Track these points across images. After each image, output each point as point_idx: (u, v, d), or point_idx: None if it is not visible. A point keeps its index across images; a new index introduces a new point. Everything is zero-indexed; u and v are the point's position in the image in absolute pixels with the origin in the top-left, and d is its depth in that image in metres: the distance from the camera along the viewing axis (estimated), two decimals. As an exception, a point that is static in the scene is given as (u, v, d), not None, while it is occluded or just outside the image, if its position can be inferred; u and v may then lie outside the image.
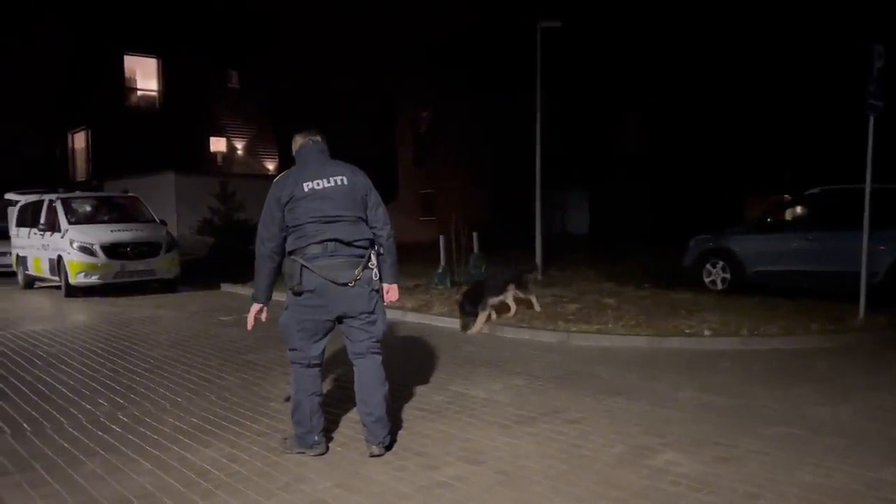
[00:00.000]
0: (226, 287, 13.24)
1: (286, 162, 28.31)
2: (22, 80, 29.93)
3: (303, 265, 3.87)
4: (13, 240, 15.15)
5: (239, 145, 27.98)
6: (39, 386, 5.96)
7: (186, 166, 21.74)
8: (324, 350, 4.09)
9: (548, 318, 8.35)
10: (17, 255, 14.78)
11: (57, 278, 12.89)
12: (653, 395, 5.29)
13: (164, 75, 25.72)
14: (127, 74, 25.56)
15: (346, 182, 3.98)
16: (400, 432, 4.48)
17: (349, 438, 4.40)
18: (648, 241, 19.13)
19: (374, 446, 4.04)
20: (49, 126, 27.80)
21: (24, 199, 14.96)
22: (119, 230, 12.90)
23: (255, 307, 4.11)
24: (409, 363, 6.56)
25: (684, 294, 10.14)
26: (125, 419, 4.92)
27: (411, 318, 9.11)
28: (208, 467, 3.96)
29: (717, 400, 5.15)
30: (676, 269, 11.86)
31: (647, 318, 8.19)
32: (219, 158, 27.28)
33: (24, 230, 14.25)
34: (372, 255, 4.02)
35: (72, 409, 5.19)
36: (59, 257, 12.59)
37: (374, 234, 4.07)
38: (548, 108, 12.94)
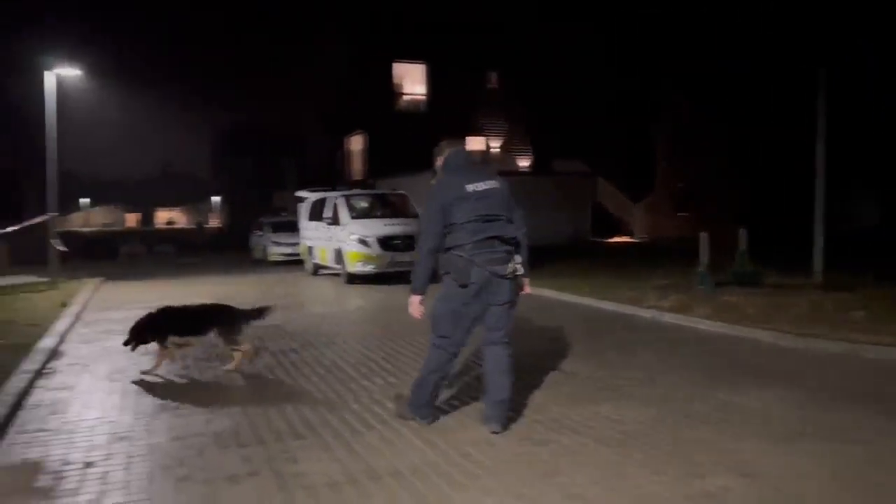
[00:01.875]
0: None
1: (540, 159, 28.77)
2: (309, 90, 34.02)
3: (469, 260, 4.21)
4: (302, 232, 17.27)
5: (494, 144, 28.96)
6: (324, 362, 6.71)
7: (448, 165, 23.07)
8: (468, 338, 4.45)
9: (830, 326, 7.46)
10: (306, 246, 16.80)
11: (339, 267, 14.41)
12: (969, 423, 4.47)
13: (430, 79, 27.51)
14: (396, 81, 27.79)
15: (499, 185, 4.40)
16: (662, 437, 4.31)
17: (606, 437, 4.32)
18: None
19: (494, 424, 4.40)
20: (332, 131, 31.26)
21: (312, 196, 16.96)
22: (391, 224, 14.08)
23: (416, 298, 4.45)
24: (670, 367, 6.27)
25: None
26: (390, 399, 5.33)
27: (669, 318, 8.70)
28: (469, 450, 4.14)
29: None
30: None
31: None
32: (476, 157, 28.49)
33: (312, 223, 16.14)
34: (516, 252, 4.39)
35: (351, 385, 5.76)
36: (340, 248, 14.06)
37: (516, 232, 4.43)
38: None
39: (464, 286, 4.26)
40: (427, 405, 4.59)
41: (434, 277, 4.33)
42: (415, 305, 4.45)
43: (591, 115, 28.68)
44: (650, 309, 9.13)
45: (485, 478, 3.72)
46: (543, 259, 15.81)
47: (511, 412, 4.60)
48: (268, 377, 6.13)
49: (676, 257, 15.02)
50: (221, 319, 6.37)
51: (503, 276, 4.28)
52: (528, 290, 4.59)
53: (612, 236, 27.86)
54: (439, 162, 4.64)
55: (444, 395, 5.13)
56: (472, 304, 4.30)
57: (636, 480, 3.65)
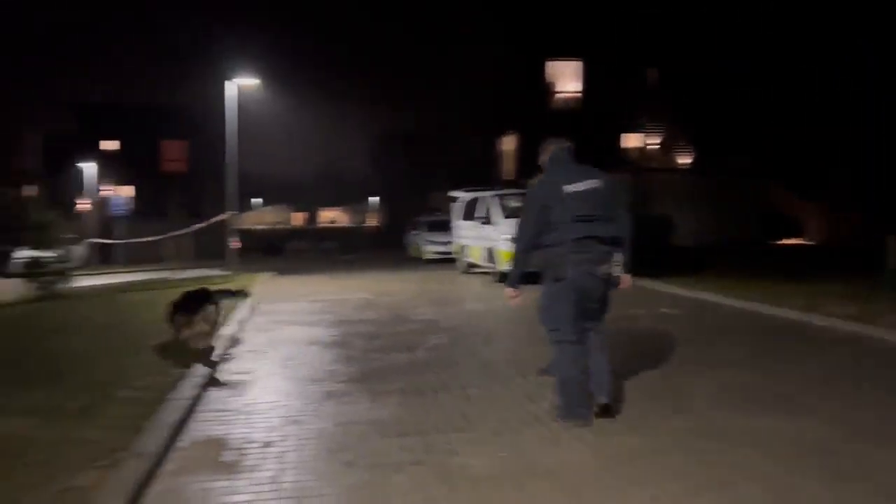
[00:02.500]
0: (637, 281, 13.31)
1: (703, 158, 27.42)
2: (463, 92, 34.59)
3: (564, 257, 4.38)
4: (455, 231, 17.59)
5: (652, 141, 27.97)
6: (478, 357, 6.79)
7: (603, 164, 22.55)
8: (580, 323, 4.52)
9: None
10: (459, 245, 17.10)
11: (490, 265, 14.53)
12: None
13: (585, 77, 27.05)
14: (550, 79, 27.57)
15: (600, 185, 4.46)
16: (844, 456, 3.95)
17: (780, 451, 4.03)
18: None
19: (600, 396, 4.59)
20: (484, 131, 31.61)
21: (465, 196, 17.23)
22: (542, 224, 13.96)
23: (510, 292, 4.76)
24: (851, 381, 5.74)
25: None
26: (552, 397, 5.28)
27: (849, 327, 7.92)
28: (632, 455, 4.01)
29: None
30: None
31: None
32: (632, 155, 27.67)
33: (466, 223, 16.40)
34: (616, 250, 4.48)
35: (505, 381, 5.78)
36: (493, 247, 14.17)
37: (617, 231, 4.49)
38: None
39: (559, 280, 4.45)
40: (580, 405, 4.52)
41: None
42: (508, 296, 4.78)
43: (758, 112, 26.94)
44: (828, 317, 8.40)
45: (650, 485, 3.59)
46: (706, 261, 15.07)
47: (671, 418, 4.41)
48: (424, 370, 6.30)
49: (856, 261, 13.75)
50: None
51: (597, 276, 4.42)
52: (627, 284, 4.67)
53: (781, 238, 26.01)
54: (544, 158, 4.76)
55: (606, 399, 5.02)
56: (568, 295, 4.45)
57: (815, 499, 3.37)
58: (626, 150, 27.79)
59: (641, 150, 27.77)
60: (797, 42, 25.77)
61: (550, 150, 4.75)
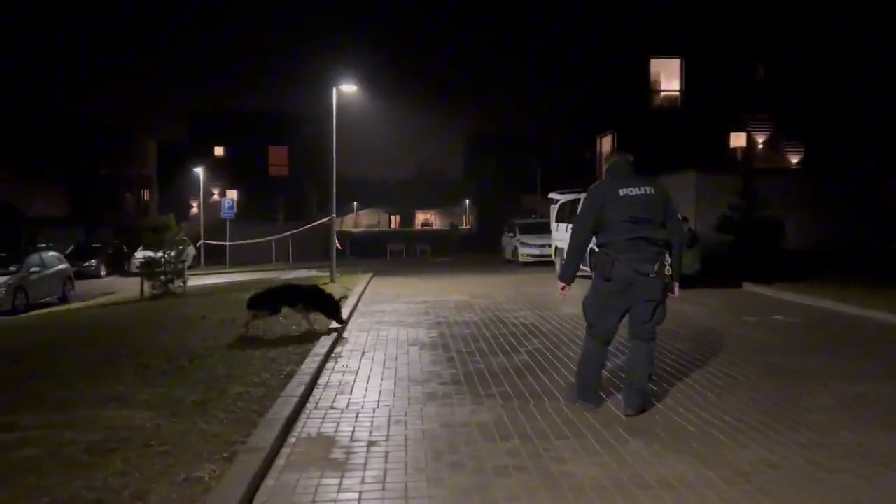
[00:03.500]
0: (747, 286, 12.77)
1: (813, 154, 25.98)
2: (562, 90, 34.22)
3: (613, 257, 4.66)
4: (553, 233, 17.39)
5: (760, 139, 26.71)
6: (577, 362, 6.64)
7: (707, 163, 21.71)
8: (616, 327, 4.87)
9: None
10: (556, 247, 16.89)
11: (587, 269, 14.25)
12: None
13: (687, 74, 26.13)
14: (652, 78, 26.80)
15: (652, 192, 4.76)
16: None
17: None
18: None
19: (627, 408, 4.82)
20: (582, 130, 31.13)
21: (563, 198, 17.01)
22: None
23: (561, 285, 5.08)
24: None
25: None
26: (659, 406, 5.12)
27: None
28: (747, 469, 3.83)
29: None
30: None
31: None
32: (738, 154, 26.51)
33: (562, 225, 16.19)
34: (667, 254, 4.73)
35: (609, 388, 5.64)
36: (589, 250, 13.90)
37: (669, 235, 4.77)
38: None
39: (608, 280, 4.71)
40: (591, 391, 5.05)
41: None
42: (560, 290, 5.11)
43: (874, 106, 25.25)
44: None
45: (765, 500, 3.41)
46: (821, 266, 14.25)
47: (790, 431, 4.17)
48: (530, 374, 6.24)
49: None
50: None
51: (647, 275, 4.62)
52: (677, 293, 4.88)
53: (902, 242, 24.26)
54: (606, 166, 5.11)
55: (719, 411, 4.83)
56: (614, 297, 4.75)
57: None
58: (734, 149, 26.67)
59: (748, 150, 26.57)
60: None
61: (613, 160, 5.08)
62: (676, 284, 4.86)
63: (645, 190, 4.76)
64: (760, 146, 26.81)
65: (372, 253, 36.91)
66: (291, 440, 4.50)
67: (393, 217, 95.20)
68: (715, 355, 6.91)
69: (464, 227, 67.00)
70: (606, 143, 29.74)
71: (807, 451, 4.10)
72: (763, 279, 12.66)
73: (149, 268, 15.03)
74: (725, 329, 8.51)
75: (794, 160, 26.79)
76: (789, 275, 12.92)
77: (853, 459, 3.95)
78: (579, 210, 4.94)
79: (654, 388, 5.57)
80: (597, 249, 4.84)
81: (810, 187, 20.88)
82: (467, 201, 74.38)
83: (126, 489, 3.54)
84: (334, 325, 8.37)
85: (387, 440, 4.47)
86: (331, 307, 8.36)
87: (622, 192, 4.74)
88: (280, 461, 4.12)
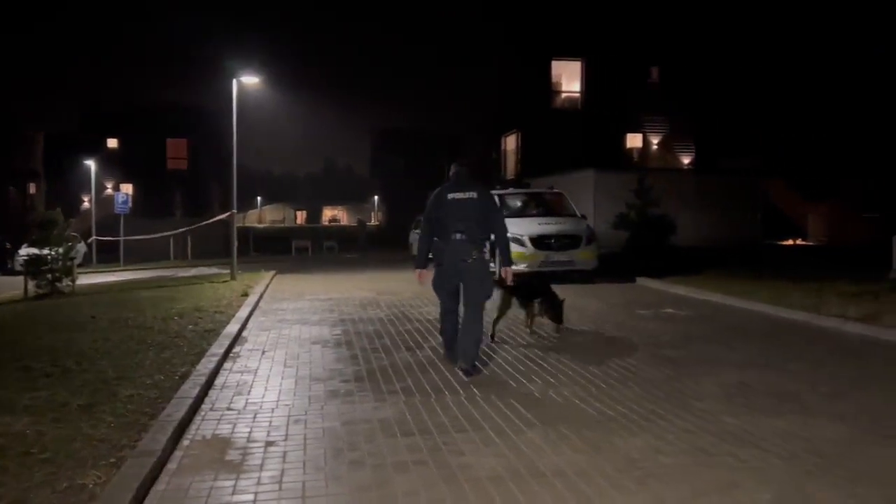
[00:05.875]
0: (641, 281, 13.33)
1: (704, 157, 27.37)
2: (466, 90, 34.58)
3: (444, 248, 6.00)
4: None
5: (655, 140, 27.91)
6: (480, 358, 6.75)
7: (605, 162, 22.55)
8: (453, 298, 6.26)
9: None
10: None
11: (493, 265, 14.48)
12: None
13: (587, 76, 26.98)
14: (553, 79, 27.50)
15: (475, 196, 6.01)
16: (856, 457, 3.93)
17: (789, 453, 4.01)
18: None
19: (460, 361, 6.01)
20: (487, 130, 31.59)
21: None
22: (545, 223, 13.92)
23: (417, 272, 6.44)
24: (860, 381, 5.72)
25: None
26: (556, 397, 5.28)
27: (856, 328, 7.91)
28: (636, 456, 4.00)
29: None
30: None
31: None
32: (634, 154, 27.61)
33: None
34: (486, 244, 6.06)
35: (511, 382, 5.77)
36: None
37: (490, 231, 6.13)
38: None
39: (440, 265, 6.09)
40: (450, 349, 6.40)
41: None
42: (417, 276, 6.45)
43: (761, 110, 26.92)
44: (835, 318, 8.38)
45: (654, 485, 3.58)
46: (709, 262, 15.03)
47: (677, 419, 4.38)
48: (433, 369, 6.27)
49: (861, 262, 13.72)
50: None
51: (466, 261, 5.91)
52: (509, 275, 6.36)
53: (784, 239, 25.98)
54: (449, 175, 6.25)
55: (613, 402, 4.99)
56: (447, 277, 6.08)
57: (827, 500, 3.35)
58: (630, 149, 27.74)
59: (644, 150, 27.71)
60: (803, 39, 25.73)
61: (452, 170, 6.24)
62: (506, 269, 6.29)
63: (469, 195, 5.99)
64: (655, 147, 28.02)
65: (278, 249, 36.07)
66: (185, 443, 4.34)
67: (299, 213, 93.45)
68: (611, 347, 7.17)
69: (372, 223, 66.60)
70: (511, 142, 30.27)
71: (692, 436, 4.32)
72: (655, 274, 13.24)
73: (34, 265, 14.10)
74: (621, 322, 8.85)
75: (686, 160, 28.17)
76: (680, 270, 13.57)
77: (734, 444, 4.19)
78: (425, 211, 6.17)
79: (552, 381, 5.74)
80: (435, 242, 6.13)
81: (700, 186, 21.99)
82: (376, 197, 73.96)
83: (1, 501, 3.32)
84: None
85: (285, 440, 4.39)
86: (559, 309, 7.86)
87: (450, 196, 6.01)
88: (172, 465, 3.97)
